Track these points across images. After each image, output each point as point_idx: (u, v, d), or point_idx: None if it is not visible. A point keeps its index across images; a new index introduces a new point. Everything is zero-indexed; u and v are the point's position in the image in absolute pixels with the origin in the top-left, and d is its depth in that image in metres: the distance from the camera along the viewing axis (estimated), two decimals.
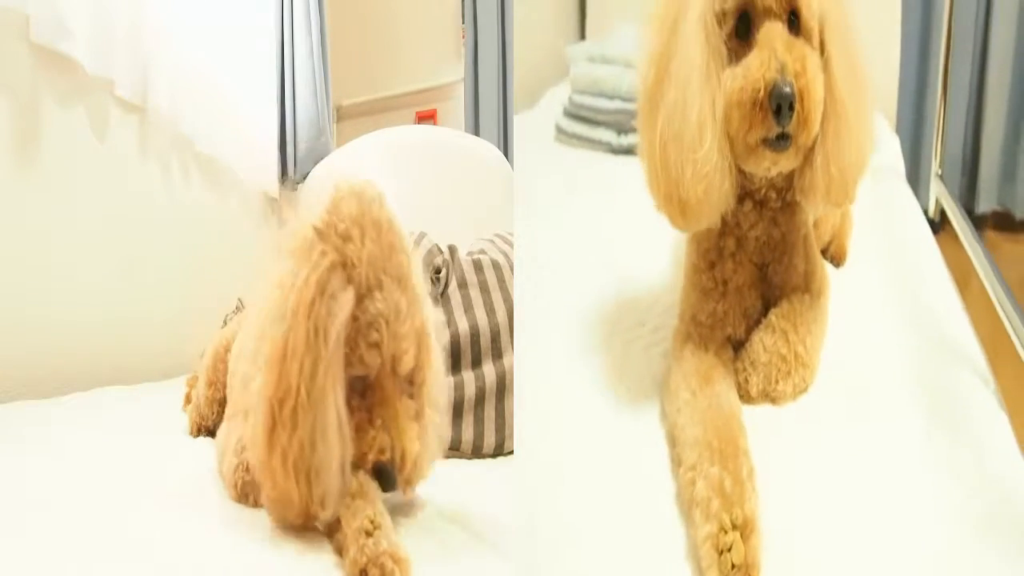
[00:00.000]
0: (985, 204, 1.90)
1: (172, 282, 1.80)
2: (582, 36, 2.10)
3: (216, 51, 1.91)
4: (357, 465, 0.72)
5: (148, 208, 1.75)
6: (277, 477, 0.68)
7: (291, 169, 2.19)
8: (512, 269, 1.29)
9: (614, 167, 1.45)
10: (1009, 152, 1.90)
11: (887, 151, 1.44)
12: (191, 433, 1.13)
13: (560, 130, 1.62)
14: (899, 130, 1.70)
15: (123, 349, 1.64)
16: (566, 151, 1.58)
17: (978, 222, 1.75)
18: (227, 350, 1.09)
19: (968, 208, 1.78)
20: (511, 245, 1.38)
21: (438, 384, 0.82)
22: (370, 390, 0.74)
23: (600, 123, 1.55)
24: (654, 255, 1.00)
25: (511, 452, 1.17)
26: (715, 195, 0.71)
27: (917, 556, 0.58)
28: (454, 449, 1.13)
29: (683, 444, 0.66)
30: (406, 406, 0.76)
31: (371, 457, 0.72)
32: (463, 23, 2.20)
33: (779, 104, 0.67)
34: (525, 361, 0.85)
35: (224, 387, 1.08)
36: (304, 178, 2.17)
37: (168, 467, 0.94)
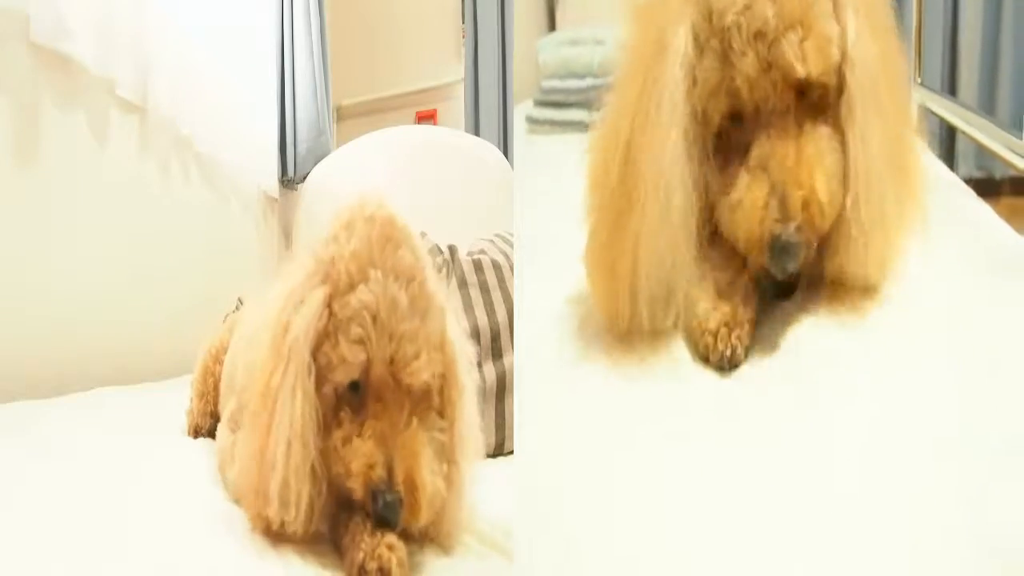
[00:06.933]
0: (963, 172, 1.84)
1: (172, 282, 1.79)
2: None
3: (216, 51, 1.91)
4: (347, 485, 0.65)
5: (148, 208, 1.75)
6: (240, 483, 0.68)
7: (291, 169, 2.19)
8: (512, 269, 1.29)
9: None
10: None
11: None
12: (189, 434, 1.13)
13: (532, 120, 1.57)
14: None
15: (123, 349, 1.64)
16: (538, 140, 1.53)
17: None
18: (216, 360, 1.09)
19: None
20: (511, 245, 1.38)
21: (469, 427, 0.72)
22: (369, 404, 0.66)
23: (572, 104, 1.50)
24: None
25: (511, 452, 1.17)
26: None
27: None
28: None
29: None
30: (420, 433, 0.67)
31: (356, 468, 0.63)
32: (463, 23, 2.20)
33: (781, 253, 0.60)
34: (525, 361, 0.84)
35: (215, 399, 1.08)
36: (304, 178, 2.17)
37: (168, 467, 0.94)
